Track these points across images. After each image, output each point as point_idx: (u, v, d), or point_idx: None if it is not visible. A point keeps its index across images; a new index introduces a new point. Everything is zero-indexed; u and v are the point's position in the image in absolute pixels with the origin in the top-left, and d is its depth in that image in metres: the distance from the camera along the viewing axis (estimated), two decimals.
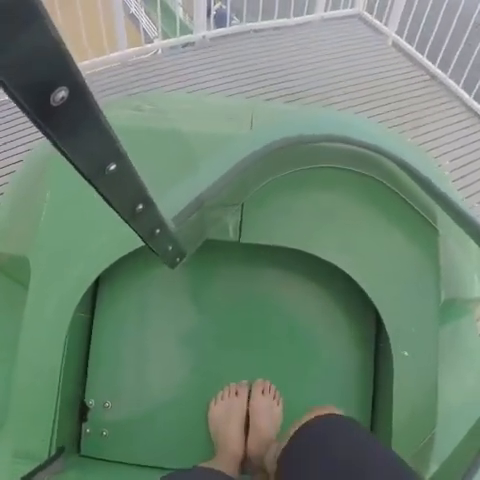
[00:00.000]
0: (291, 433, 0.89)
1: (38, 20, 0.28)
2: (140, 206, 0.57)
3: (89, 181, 0.44)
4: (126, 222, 0.58)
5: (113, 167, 0.45)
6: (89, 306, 1.35)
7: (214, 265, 1.44)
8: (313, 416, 0.89)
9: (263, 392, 1.34)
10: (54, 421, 1.09)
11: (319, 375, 1.40)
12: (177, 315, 1.42)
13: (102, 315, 1.38)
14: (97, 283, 1.39)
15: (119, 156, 0.46)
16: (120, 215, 0.55)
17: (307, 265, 1.38)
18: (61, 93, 0.32)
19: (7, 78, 0.29)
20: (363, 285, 1.18)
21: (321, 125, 1.13)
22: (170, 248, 0.83)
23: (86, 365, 1.35)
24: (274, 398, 1.35)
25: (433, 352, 1.14)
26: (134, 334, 1.40)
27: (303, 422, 0.88)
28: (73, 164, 0.41)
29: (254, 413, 1.31)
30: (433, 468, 1.07)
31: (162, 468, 1.30)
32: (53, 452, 1.07)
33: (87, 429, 1.31)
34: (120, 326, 1.39)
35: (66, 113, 0.35)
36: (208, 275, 1.45)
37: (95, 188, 0.46)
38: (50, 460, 1.04)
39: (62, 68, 0.32)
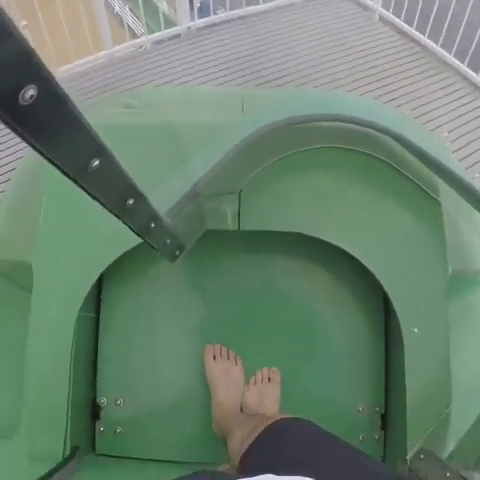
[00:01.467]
0: (257, 432, 0.92)
1: None
2: (130, 201, 0.56)
3: (73, 179, 0.44)
4: (118, 218, 0.58)
5: (96, 163, 0.44)
6: (94, 305, 1.36)
7: (217, 256, 1.44)
8: (279, 418, 0.94)
9: (256, 383, 1.36)
10: (67, 422, 1.09)
11: (329, 358, 1.40)
12: (183, 308, 1.42)
13: (107, 313, 1.38)
14: (101, 282, 1.39)
15: (101, 152, 0.45)
16: (111, 211, 0.55)
17: (310, 249, 1.38)
18: (30, 92, 0.32)
19: None
20: (368, 264, 1.17)
21: (311, 105, 1.11)
22: (168, 241, 0.83)
23: (95, 364, 1.36)
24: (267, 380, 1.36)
25: (443, 327, 1.13)
26: (141, 330, 1.40)
27: (269, 422, 0.93)
28: (53, 163, 0.40)
29: (246, 400, 1.33)
30: (451, 445, 1.06)
31: (177, 462, 1.31)
32: (68, 452, 1.08)
33: (101, 427, 1.32)
34: (126, 323, 1.39)
35: (37, 112, 0.34)
36: (211, 266, 1.44)
37: (80, 186, 0.46)
38: (65, 461, 1.05)
39: (28, 67, 0.32)
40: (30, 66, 0.32)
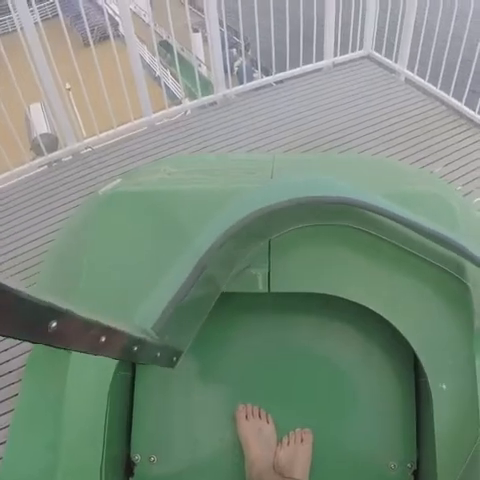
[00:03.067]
0: None
1: None
2: (103, 338, 0.58)
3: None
4: (95, 355, 0.59)
5: (54, 325, 0.49)
6: (130, 364, 1.39)
7: (247, 317, 1.49)
8: None
9: (289, 443, 1.39)
10: (101, 478, 1.11)
11: (360, 416, 1.41)
12: (216, 368, 1.46)
13: (143, 371, 1.42)
14: None
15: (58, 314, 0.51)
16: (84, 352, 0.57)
17: (339, 310, 1.41)
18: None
19: None
20: (395, 324, 1.20)
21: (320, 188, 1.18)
22: (158, 354, 0.82)
23: (130, 421, 1.39)
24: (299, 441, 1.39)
25: (472, 382, 1.14)
26: (175, 388, 1.43)
27: None
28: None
29: (279, 460, 1.36)
30: None
31: None
32: None
33: None
34: (160, 381, 1.42)
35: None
36: (242, 327, 1.49)
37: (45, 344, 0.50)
38: None
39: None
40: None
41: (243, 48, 4.39)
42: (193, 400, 1.43)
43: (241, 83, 3.96)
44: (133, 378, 1.42)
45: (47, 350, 1.37)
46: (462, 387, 1.15)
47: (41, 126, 5.51)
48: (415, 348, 1.20)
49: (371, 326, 1.42)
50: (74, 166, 3.39)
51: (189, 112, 4.09)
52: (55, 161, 3.49)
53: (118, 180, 1.53)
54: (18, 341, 2.22)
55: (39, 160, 3.49)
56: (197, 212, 1.24)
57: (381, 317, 1.21)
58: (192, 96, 4.01)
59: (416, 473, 1.34)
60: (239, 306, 1.41)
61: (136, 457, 1.37)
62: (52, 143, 4.02)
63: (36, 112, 5.62)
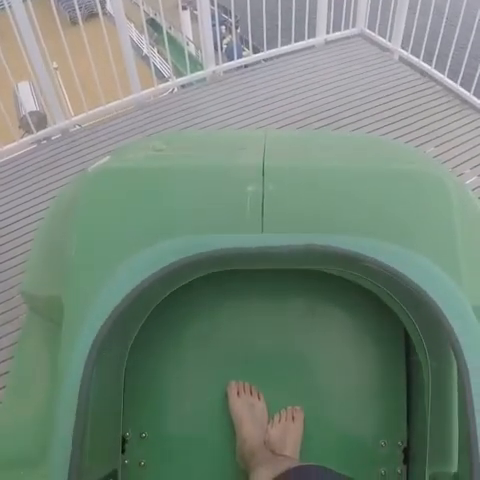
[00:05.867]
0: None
1: None
2: None
3: None
4: None
5: None
6: (121, 341, 1.38)
7: (242, 296, 1.50)
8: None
9: (280, 421, 1.40)
10: (91, 454, 1.10)
11: (351, 394, 1.43)
12: (208, 345, 1.48)
13: (135, 349, 1.41)
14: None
15: None
16: None
17: (330, 289, 1.43)
18: None
19: None
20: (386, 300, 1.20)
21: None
22: None
23: (123, 397, 1.38)
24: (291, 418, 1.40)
25: None
26: (166, 364, 1.44)
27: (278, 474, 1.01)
28: None
29: (270, 437, 1.37)
30: None
31: None
32: None
33: (125, 460, 1.35)
34: (153, 359, 1.44)
35: None
36: (237, 306, 1.51)
37: None
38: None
39: None
40: None
41: (234, 26, 4.32)
42: (184, 377, 1.45)
43: (230, 60, 3.90)
44: (123, 353, 1.41)
45: (38, 326, 1.36)
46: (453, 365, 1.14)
47: (30, 104, 5.43)
48: (407, 325, 1.19)
49: (362, 306, 1.44)
50: (63, 143, 3.35)
51: (176, 90, 4.02)
52: (44, 139, 3.47)
53: (107, 158, 1.50)
54: (9, 319, 2.24)
55: (28, 138, 3.46)
56: (187, 189, 1.22)
57: (373, 295, 1.20)
58: (180, 75, 3.93)
59: (406, 451, 1.36)
60: (229, 288, 1.42)
61: (127, 433, 1.38)
62: (41, 121, 3.97)
63: (24, 90, 5.55)
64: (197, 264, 1.09)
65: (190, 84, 3.92)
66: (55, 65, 4.43)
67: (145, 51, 8.58)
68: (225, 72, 3.88)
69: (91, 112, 3.51)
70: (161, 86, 3.83)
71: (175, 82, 3.85)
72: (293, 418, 1.39)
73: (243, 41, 6.38)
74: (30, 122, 3.39)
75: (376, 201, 1.17)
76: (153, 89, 3.71)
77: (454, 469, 1.02)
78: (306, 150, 1.49)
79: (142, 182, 1.25)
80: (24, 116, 3.94)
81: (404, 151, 1.85)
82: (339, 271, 1.26)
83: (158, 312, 1.44)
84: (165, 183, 1.25)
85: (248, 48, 3.99)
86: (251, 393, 1.42)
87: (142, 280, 1.04)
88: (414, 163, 1.47)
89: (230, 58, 4.05)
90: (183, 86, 4.05)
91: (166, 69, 7.71)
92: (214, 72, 3.80)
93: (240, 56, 4.02)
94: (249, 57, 3.97)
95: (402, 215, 1.15)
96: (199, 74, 3.83)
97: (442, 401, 1.11)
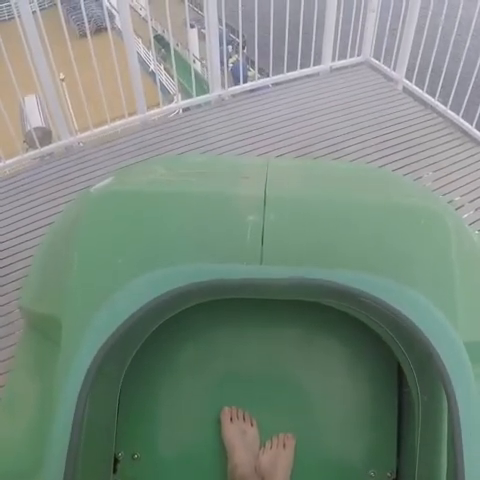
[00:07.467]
0: None
1: None
2: None
3: None
4: None
5: None
6: (116, 361, 1.37)
7: (238, 325, 1.51)
8: None
9: (271, 447, 1.41)
10: (83, 473, 1.09)
11: (342, 424, 1.44)
12: (203, 371, 1.48)
13: (130, 369, 1.41)
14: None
15: None
16: None
17: (324, 320, 1.44)
18: None
19: None
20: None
21: None
22: None
23: (117, 419, 1.38)
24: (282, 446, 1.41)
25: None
26: (161, 387, 1.45)
27: None
28: None
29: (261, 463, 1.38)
30: None
31: None
32: None
33: None
34: (147, 379, 1.44)
35: None
36: (232, 333, 1.52)
37: None
38: None
39: None
40: None
41: (241, 47, 4.36)
42: (178, 402, 1.45)
43: (235, 80, 3.93)
44: (119, 375, 1.41)
45: (35, 342, 1.35)
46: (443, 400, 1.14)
47: (35, 119, 5.44)
48: (400, 359, 1.20)
49: (357, 337, 1.45)
50: (67, 160, 3.36)
51: (181, 112, 4.05)
52: (48, 154, 3.48)
53: (110, 178, 1.52)
54: (9, 332, 2.23)
55: (32, 153, 3.48)
56: (188, 215, 1.23)
57: (366, 327, 1.22)
58: (185, 92, 3.96)
59: None
60: (226, 315, 1.43)
61: (119, 454, 1.38)
62: (46, 136, 3.99)
63: (30, 104, 5.56)
64: (194, 293, 1.10)
65: (197, 106, 3.93)
66: (62, 76, 4.45)
67: (152, 67, 8.65)
68: (232, 96, 3.92)
69: (96, 130, 3.54)
70: (165, 108, 3.89)
71: (181, 104, 3.90)
72: (284, 445, 1.40)
73: (249, 61, 6.46)
74: (35, 137, 3.40)
75: (375, 234, 1.19)
76: (158, 110, 3.75)
77: None
78: (307, 180, 1.51)
79: (144, 206, 1.26)
80: (29, 131, 3.96)
81: (404, 184, 1.87)
82: (336, 303, 1.27)
83: (154, 337, 1.45)
84: (167, 208, 1.26)
85: (253, 68, 4.02)
86: (244, 419, 1.43)
87: (140, 307, 1.05)
88: (414, 197, 1.49)
89: (235, 77, 4.07)
90: (188, 108, 4.08)
91: (172, 85, 7.77)
92: (220, 96, 3.83)
93: (245, 76, 4.06)
94: (254, 82, 4.00)
95: (401, 249, 1.17)
96: (204, 98, 3.86)
97: (431, 434, 1.12)
